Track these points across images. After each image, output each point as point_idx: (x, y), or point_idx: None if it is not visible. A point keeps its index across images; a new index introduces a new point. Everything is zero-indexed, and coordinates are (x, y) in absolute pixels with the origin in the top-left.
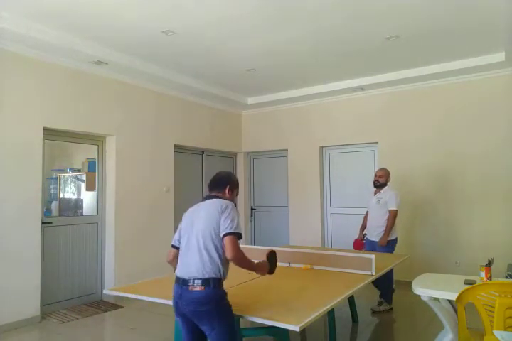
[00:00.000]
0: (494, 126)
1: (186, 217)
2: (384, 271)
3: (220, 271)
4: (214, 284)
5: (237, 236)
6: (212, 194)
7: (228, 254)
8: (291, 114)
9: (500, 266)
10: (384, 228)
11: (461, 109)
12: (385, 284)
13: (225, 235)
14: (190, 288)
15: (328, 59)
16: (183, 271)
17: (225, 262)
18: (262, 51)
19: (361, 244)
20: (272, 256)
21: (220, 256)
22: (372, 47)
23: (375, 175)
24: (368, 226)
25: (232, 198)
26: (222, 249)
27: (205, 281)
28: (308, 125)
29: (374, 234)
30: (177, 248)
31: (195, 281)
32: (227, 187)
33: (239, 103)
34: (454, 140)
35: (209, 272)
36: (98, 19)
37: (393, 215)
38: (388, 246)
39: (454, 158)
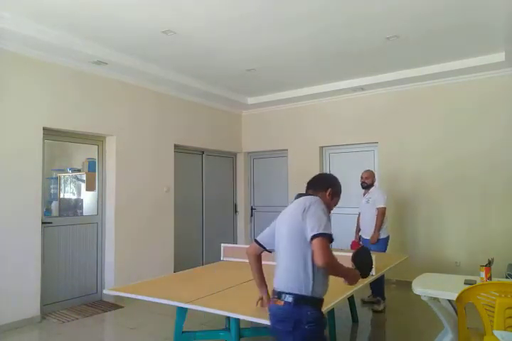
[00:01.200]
0: (494, 126)
1: (278, 219)
2: (384, 271)
3: (308, 286)
4: (296, 301)
5: (327, 237)
6: (306, 192)
7: (317, 261)
8: (291, 114)
9: (500, 266)
10: None
11: (461, 108)
12: (377, 283)
13: (312, 237)
14: (274, 301)
15: (328, 59)
16: (274, 280)
17: (316, 273)
18: (262, 51)
19: (359, 245)
20: (360, 255)
21: (305, 264)
22: (372, 47)
23: (362, 177)
24: (361, 226)
25: (330, 205)
26: (312, 255)
27: (287, 296)
28: (308, 125)
29: (368, 233)
30: (259, 244)
31: (280, 295)
32: (329, 190)
33: (239, 103)
34: (453, 140)
35: (292, 287)
36: (98, 19)
37: (381, 212)
38: (380, 244)
39: (454, 158)
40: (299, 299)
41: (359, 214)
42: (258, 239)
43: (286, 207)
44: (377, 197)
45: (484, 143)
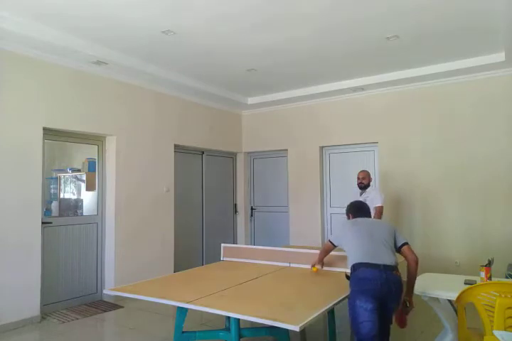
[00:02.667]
0: (494, 126)
1: (360, 228)
2: None
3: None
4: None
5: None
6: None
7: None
8: (291, 114)
9: (500, 266)
10: None
11: (461, 108)
12: None
13: (402, 245)
14: (394, 272)
15: (329, 59)
16: (377, 259)
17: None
18: (262, 51)
19: None
20: None
21: (393, 251)
22: (373, 48)
23: (358, 178)
24: None
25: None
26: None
27: (396, 268)
28: (308, 125)
29: None
30: (334, 245)
31: (395, 268)
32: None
33: (239, 103)
34: (453, 139)
35: (395, 261)
36: (98, 19)
37: (379, 211)
38: None
39: (453, 158)
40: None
41: None
42: (333, 240)
43: (358, 220)
44: (374, 196)
45: (484, 143)
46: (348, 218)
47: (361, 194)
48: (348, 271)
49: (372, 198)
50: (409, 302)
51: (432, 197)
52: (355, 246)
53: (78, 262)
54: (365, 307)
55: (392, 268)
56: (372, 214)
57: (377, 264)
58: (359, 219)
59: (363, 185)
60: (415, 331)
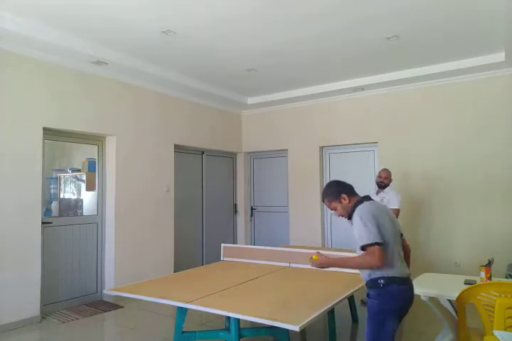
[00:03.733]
0: (494, 126)
1: (383, 215)
2: None
3: None
4: None
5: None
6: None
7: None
8: (291, 114)
9: (500, 266)
10: None
11: (461, 108)
12: None
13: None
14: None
15: (328, 59)
16: (407, 270)
17: None
18: (262, 51)
19: None
20: None
21: None
22: (373, 47)
23: (380, 177)
24: None
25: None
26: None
27: None
28: (308, 125)
29: None
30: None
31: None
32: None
33: (239, 103)
34: (453, 140)
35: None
36: (98, 19)
37: (396, 214)
38: None
39: (453, 158)
40: None
41: None
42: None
43: (375, 204)
44: (391, 197)
45: (484, 143)
46: (340, 201)
47: (378, 193)
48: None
49: (389, 199)
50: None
51: (431, 197)
52: (393, 247)
53: (78, 262)
54: (395, 329)
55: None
56: None
57: (408, 277)
58: (375, 203)
59: (384, 184)
60: (415, 331)
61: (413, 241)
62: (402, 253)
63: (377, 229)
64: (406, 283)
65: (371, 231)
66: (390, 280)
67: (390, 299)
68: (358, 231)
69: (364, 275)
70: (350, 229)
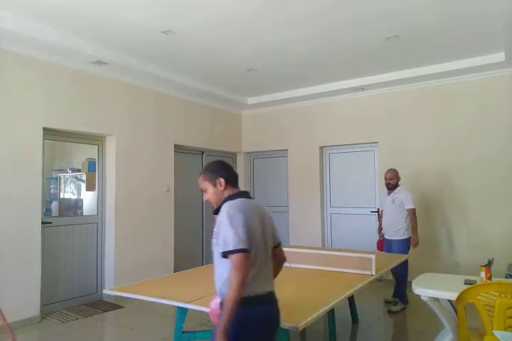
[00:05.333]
0: (494, 126)
1: (255, 219)
2: (383, 271)
3: None
4: None
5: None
6: (243, 190)
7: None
8: (291, 114)
9: (500, 266)
10: (401, 226)
11: (461, 108)
12: (396, 285)
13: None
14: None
15: (328, 59)
16: (271, 284)
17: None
18: (262, 51)
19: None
20: None
21: None
22: (373, 47)
23: (386, 179)
24: (384, 225)
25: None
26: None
27: None
28: (309, 125)
29: (391, 232)
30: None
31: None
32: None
33: (239, 103)
34: (454, 140)
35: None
36: (98, 19)
37: (413, 213)
38: (404, 245)
39: (454, 158)
40: None
41: (380, 213)
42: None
43: (251, 203)
44: (405, 198)
45: (484, 143)
46: (214, 184)
47: (389, 194)
48: None
49: (402, 199)
50: None
51: (431, 197)
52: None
53: (78, 262)
54: None
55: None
56: (402, 214)
57: (271, 292)
58: (251, 202)
59: (391, 185)
60: (415, 331)
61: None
62: (269, 266)
63: (247, 233)
64: (266, 301)
65: (239, 235)
66: (254, 300)
67: (252, 322)
68: (224, 231)
69: (218, 287)
70: (350, 229)
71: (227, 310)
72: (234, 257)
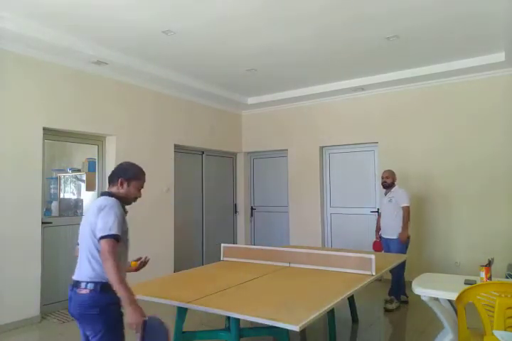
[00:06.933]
0: (494, 126)
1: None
2: (383, 271)
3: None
4: (101, 288)
5: (113, 237)
6: (106, 190)
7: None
8: (291, 114)
9: (500, 266)
10: (398, 225)
11: (461, 108)
12: (393, 283)
13: (100, 238)
14: (78, 290)
15: (329, 59)
16: (76, 273)
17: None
18: (262, 51)
19: (380, 245)
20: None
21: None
22: (373, 47)
23: (382, 177)
24: (382, 225)
25: (130, 193)
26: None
27: (93, 285)
28: (309, 125)
29: (388, 231)
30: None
31: (83, 284)
32: (120, 180)
33: (239, 103)
34: (454, 140)
35: (96, 276)
36: (98, 19)
37: (407, 211)
38: (402, 244)
39: (454, 158)
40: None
41: (379, 214)
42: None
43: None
44: (400, 196)
45: (484, 144)
46: (121, 185)
47: (386, 193)
48: None
49: (398, 198)
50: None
51: (431, 197)
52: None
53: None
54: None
55: (78, 284)
56: (400, 214)
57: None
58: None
59: (387, 184)
60: (415, 331)
61: (413, 241)
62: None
63: (120, 225)
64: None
65: (117, 223)
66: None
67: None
68: (104, 217)
69: (86, 272)
70: (350, 229)
71: (123, 289)
72: (110, 241)
